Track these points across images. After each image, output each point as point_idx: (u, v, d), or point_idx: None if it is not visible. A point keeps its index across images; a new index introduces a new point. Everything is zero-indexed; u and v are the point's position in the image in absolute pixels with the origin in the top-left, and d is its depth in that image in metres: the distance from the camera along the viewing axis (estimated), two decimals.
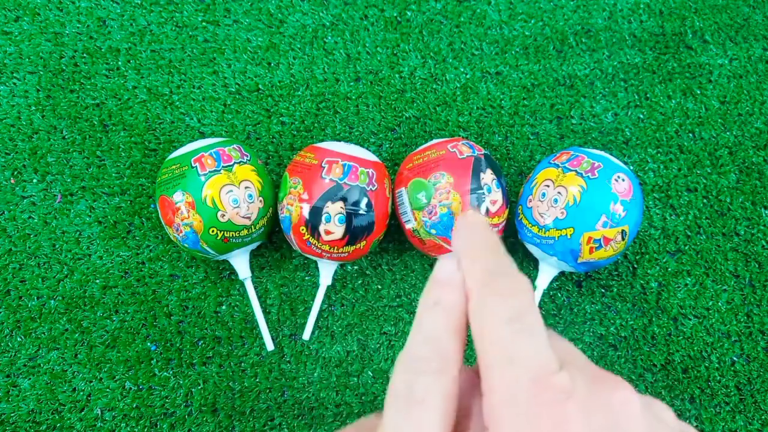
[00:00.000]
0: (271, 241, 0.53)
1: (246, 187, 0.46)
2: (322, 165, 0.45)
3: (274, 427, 0.49)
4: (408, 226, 0.48)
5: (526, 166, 0.55)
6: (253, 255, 0.52)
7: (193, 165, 0.45)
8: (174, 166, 0.46)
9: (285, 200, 0.47)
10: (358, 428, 0.21)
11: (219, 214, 0.45)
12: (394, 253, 0.53)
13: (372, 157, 0.48)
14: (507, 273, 0.20)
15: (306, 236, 0.46)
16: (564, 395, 0.17)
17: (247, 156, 0.47)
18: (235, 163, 0.46)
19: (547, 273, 0.49)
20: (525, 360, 0.17)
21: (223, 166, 0.45)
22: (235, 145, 0.48)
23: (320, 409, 0.50)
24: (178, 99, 0.55)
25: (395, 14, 0.58)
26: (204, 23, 0.57)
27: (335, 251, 0.46)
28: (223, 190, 0.45)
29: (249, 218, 0.46)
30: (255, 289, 0.52)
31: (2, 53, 0.55)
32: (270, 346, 0.50)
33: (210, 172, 0.45)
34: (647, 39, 0.59)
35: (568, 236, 0.45)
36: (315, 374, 0.50)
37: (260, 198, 0.47)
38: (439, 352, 0.19)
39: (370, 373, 0.51)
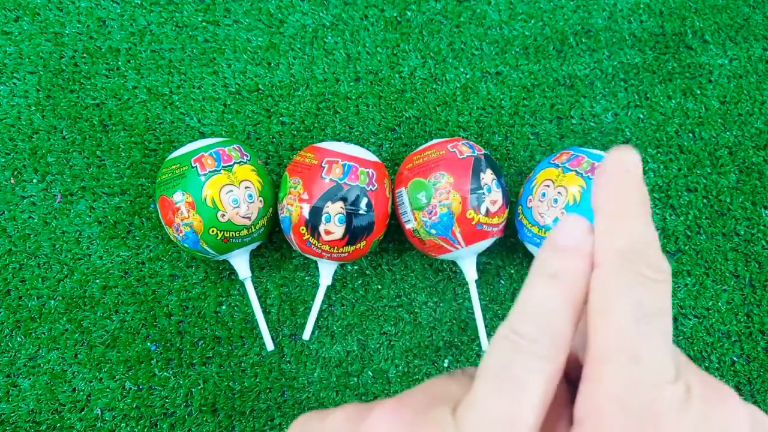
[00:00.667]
0: (271, 241, 0.53)
1: (246, 187, 0.46)
2: (322, 165, 0.45)
3: (274, 427, 0.49)
4: (408, 226, 0.48)
5: (526, 166, 0.55)
6: (253, 255, 0.52)
7: (193, 165, 0.45)
8: (174, 166, 0.46)
9: (285, 200, 0.47)
10: (427, 392, 0.19)
11: (219, 214, 0.45)
12: (394, 253, 0.53)
13: (372, 157, 0.48)
14: (654, 253, 0.16)
15: (306, 236, 0.46)
16: (677, 408, 0.15)
17: (247, 156, 0.47)
18: (235, 163, 0.46)
19: None
20: (646, 363, 0.15)
21: (223, 166, 0.45)
22: (235, 145, 0.48)
23: (320, 409, 0.50)
24: (178, 99, 0.55)
25: (395, 14, 0.58)
26: (204, 23, 0.57)
27: (335, 251, 0.46)
28: (223, 190, 0.45)
29: (249, 218, 0.46)
30: (255, 289, 0.52)
31: (2, 53, 0.55)
32: (270, 346, 0.50)
33: (210, 172, 0.45)
34: (647, 39, 0.59)
35: None
36: (315, 374, 0.50)
37: (260, 198, 0.47)
38: (549, 334, 0.16)
39: (370, 373, 0.51)
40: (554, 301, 0.17)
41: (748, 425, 0.16)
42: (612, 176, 0.17)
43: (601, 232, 0.17)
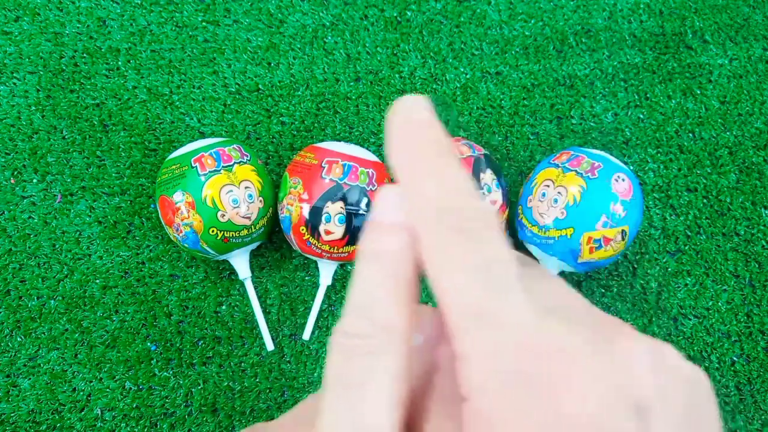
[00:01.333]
0: (271, 241, 0.53)
1: (246, 187, 0.46)
2: (322, 165, 0.45)
3: None
4: None
5: (526, 166, 0.55)
6: (253, 255, 0.52)
7: (193, 165, 0.45)
8: (174, 166, 0.46)
9: (285, 200, 0.47)
10: (296, 416, 0.18)
11: (219, 214, 0.45)
12: None
13: (372, 157, 0.48)
14: (467, 200, 0.15)
15: (306, 236, 0.46)
16: (558, 356, 0.13)
17: (247, 156, 0.47)
18: (235, 163, 0.46)
19: None
20: (504, 320, 0.14)
21: (223, 166, 0.45)
22: (235, 145, 0.48)
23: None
24: (178, 99, 0.55)
25: (395, 14, 0.58)
26: (204, 23, 0.57)
27: (335, 251, 0.46)
28: (223, 190, 0.45)
29: (249, 218, 0.46)
30: (255, 289, 0.52)
31: (2, 53, 0.55)
32: (270, 346, 0.50)
33: (210, 172, 0.45)
34: (647, 39, 0.59)
35: (568, 236, 0.45)
36: (315, 374, 0.50)
37: (260, 198, 0.47)
38: (379, 323, 0.15)
39: None
40: (378, 284, 0.15)
41: (646, 361, 0.14)
42: (399, 132, 0.16)
43: (410, 200, 0.15)
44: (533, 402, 0.13)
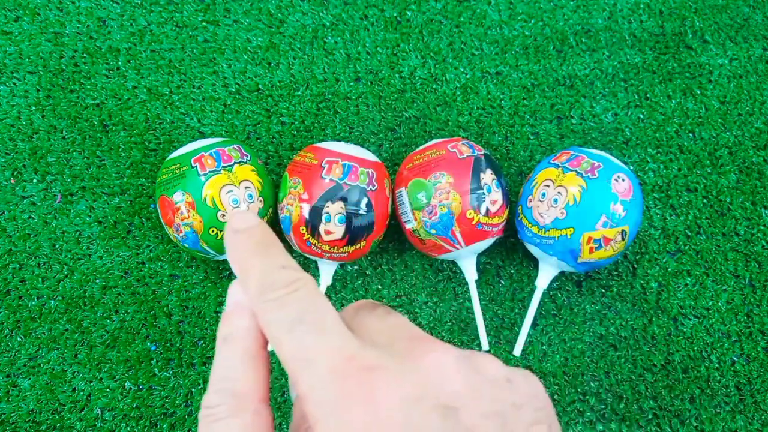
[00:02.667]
0: None
1: (246, 187, 0.46)
2: (322, 165, 0.45)
3: (275, 427, 0.49)
4: (408, 226, 0.48)
5: (526, 166, 0.55)
6: None
7: (193, 165, 0.45)
8: (174, 166, 0.46)
9: (285, 200, 0.47)
10: None
11: (219, 214, 0.45)
12: (394, 253, 0.53)
13: (372, 157, 0.48)
14: (279, 275, 0.19)
15: (306, 236, 0.46)
16: (368, 373, 0.16)
17: (247, 156, 0.47)
18: (235, 163, 0.46)
19: (547, 273, 0.49)
20: (319, 357, 0.17)
21: (223, 166, 0.45)
22: (235, 145, 0.48)
23: None
24: (178, 99, 0.55)
25: (395, 14, 0.58)
26: (204, 23, 0.57)
27: (335, 251, 0.46)
28: (223, 190, 0.45)
29: None
30: None
31: (2, 53, 0.55)
32: (270, 346, 0.50)
33: (210, 172, 0.45)
34: (647, 39, 0.59)
35: (568, 236, 0.45)
36: None
37: (260, 198, 0.47)
38: (230, 392, 0.19)
39: None
40: (230, 359, 0.19)
41: (452, 367, 0.18)
42: (228, 242, 0.20)
43: (242, 286, 0.20)
44: (355, 417, 0.16)
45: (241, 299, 0.20)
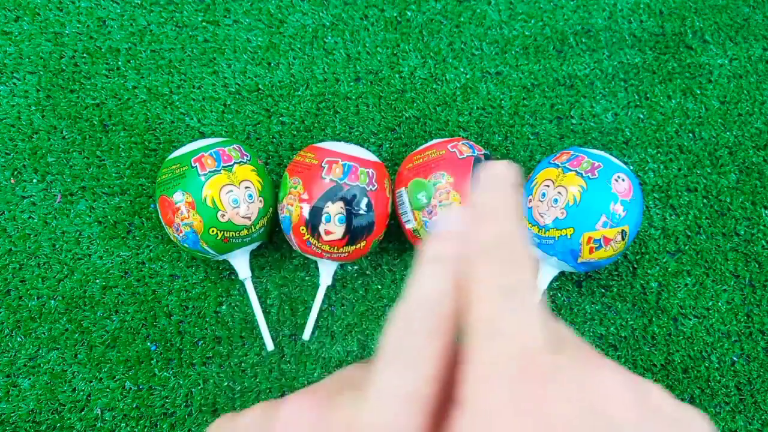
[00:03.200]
0: (271, 241, 0.53)
1: (246, 187, 0.46)
2: (322, 165, 0.45)
3: None
4: (408, 226, 0.48)
5: (526, 166, 0.55)
6: (253, 255, 0.52)
7: (193, 165, 0.45)
8: (174, 166, 0.46)
9: (285, 200, 0.47)
10: (337, 379, 0.20)
11: (219, 214, 0.45)
12: (394, 253, 0.53)
13: (372, 157, 0.48)
14: (514, 243, 0.18)
15: (306, 236, 0.46)
16: (548, 375, 0.16)
17: (247, 156, 0.47)
18: (235, 163, 0.46)
19: (547, 273, 0.49)
20: (512, 335, 0.17)
21: (223, 166, 0.45)
22: (235, 145, 0.48)
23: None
24: (178, 99, 0.55)
25: (395, 14, 0.58)
26: (204, 23, 0.57)
27: (335, 251, 0.46)
28: (223, 190, 0.45)
29: (249, 218, 0.46)
30: (255, 289, 0.52)
31: (2, 53, 0.55)
32: (270, 346, 0.50)
33: (210, 172, 0.45)
34: (647, 39, 0.59)
35: (568, 236, 0.45)
36: (315, 374, 0.50)
37: (260, 198, 0.47)
38: (435, 311, 0.18)
39: None
40: (438, 282, 0.19)
41: (624, 390, 0.17)
42: (486, 181, 0.20)
43: (473, 228, 0.19)
44: (523, 410, 0.15)
45: (463, 228, 0.19)
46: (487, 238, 0.19)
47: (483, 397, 0.16)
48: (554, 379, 0.16)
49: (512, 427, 0.15)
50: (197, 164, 0.45)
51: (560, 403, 0.16)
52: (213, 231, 0.45)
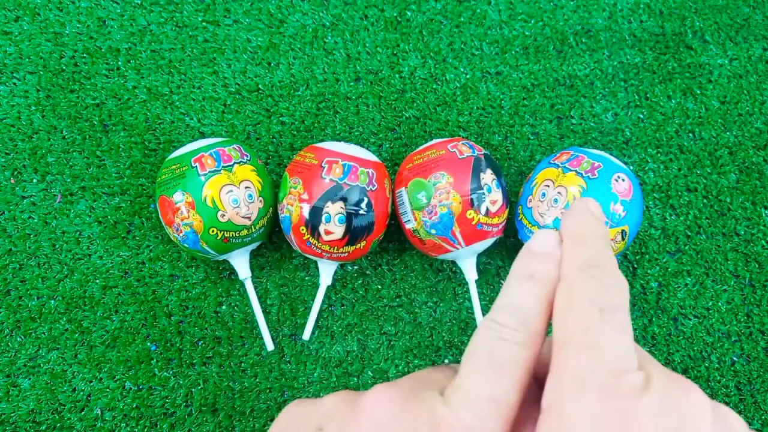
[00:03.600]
0: (271, 241, 0.53)
1: (246, 187, 0.46)
2: (322, 165, 0.45)
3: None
4: (408, 226, 0.48)
5: (526, 166, 0.55)
6: (253, 255, 0.52)
7: (193, 165, 0.45)
8: (174, 166, 0.46)
9: (285, 200, 0.47)
10: (415, 379, 0.21)
11: (219, 214, 0.45)
12: (394, 253, 0.53)
13: (372, 157, 0.48)
14: (610, 266, 0.19)
15: (306, 236, 0.46)
16: (637, 393, 0.16)
17: (247, 156, 0.47)
18: (235, 163, 0.46)
19: None
20: (607, 350, 0.17)
21: (223, 166, 0.45)
22: (235, 145, 0.48)
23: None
24: (178, 99, 0.55)
25: (395, 14, 0.58)
26: (204, 23, 0.57)
27: (335, 251, 0.46)
28: (223, 190, 0.45)
29: (249, 218, 0.46)
30: (255, 289, 0.52)
31: (2, 53, 0.55)
32: (270, 346, 0.50)
33: (210, 172, 0.45)
34: (647, 39, 0.59)
35: None
36: (315, 374, 0.50)
37: (260, 198, 0.47)
38: (527, 324, 0.19)
39: (370, 373, 0.51)
40: (532, 298, 0.20)
41: (709, 415, 0.17)
42: (578, 213, 0.21)
43: (567, 251, 0.20)
44: (609, 421, 0.16)
45: (555, 250, 0.21)
46: (583, 259, 0.20)
47: (571, 407, 0.16)
48: (644, 397, 0.16)
49: None
50: (197, 164, 0.45)
51: (648, 421, 0.16)
52: (213, 231, 0.45)
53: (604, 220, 0.21)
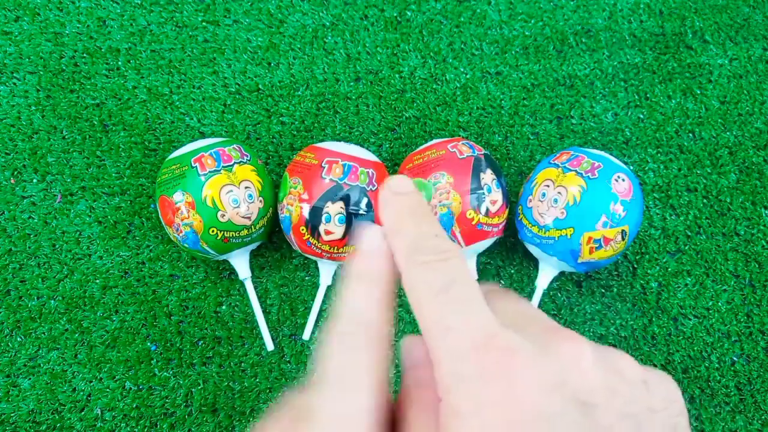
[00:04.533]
0: (271, 241, 0.53)
1: (246, 187, 0.46)
2: (322, 165, 0.45)
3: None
4: None
5: (526, 166, 0.55)
6: (253, 255, 0.52)
7: (193, 165, 0.45)
8: (174, 166, 0.46)
9: (285, 200, 0.47)
10: (292, 410, 0.20)
11: (219, 214, 0.45)
12: None
13: (372, 157, 0.48)
14: (433, 242, 0.19)
15: (306, 236, 0.46)
16: (509, 354, 0.16)
17: (247, 156, 0.47)
18: (234, 163, 0.46)
19: (547, 273, 0.49)
20: (461, 328, 0.17)
21: (223, 166, 0.45)
22: (235, 145, 0.48)
23: None
24: (178, 99, 0.55)
25: (395, 14, 0.58)
26: (204, 23, 0.57)
27: (335, 251, 0.46)
28: (223, 190, 0.45)
29: (249, 218, 0.46)
30: (255, 289, 0.52)
31: (2, 53, 0.55)
32: (270, 346, 0.50)
33: (210, 172, 0.45)
34: (647, 39, 0.59)
35: (568, 236, 0.45)
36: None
37: (260, 198, 0.47)
38: (365, 326, 0.19)
39: None
40: (364, 296, 0.20)
41: (589, 357, 0.17)
42: (385, 202, 0.21)
43: (392, 245, 0.20)
44: (491, 393, 0.16)
45: (381, 244, 0.20)
46: (404, 247, 0.19)
47: (455, 392, 0.16)
48: (517, 354, 0.16)
49: (490, 415, 0.16)
50: (197, 164, 0.45)
51: (526, 371, 0.16)
52: (213, 231, 0.45)
53: (411, 189, 0.21)
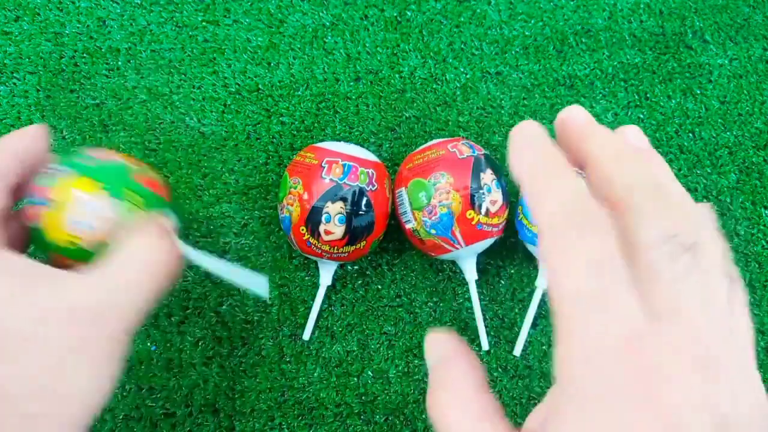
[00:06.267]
0: (271, 241, 0.53)
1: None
2: (322, 165, 0.45)
3: (275, 427, 0.49)
4: (408, 226, 0.48)
5: None
6: (253, 255, 0.52)
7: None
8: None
9: (285, 200, 0.47)
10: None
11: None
12: (394, 253, 0.53)
13: (372, 157, 0.48)
14: (585, 200, 0.17)
15: (306, 236, 0.46)
16: (661, 356, 0.15)
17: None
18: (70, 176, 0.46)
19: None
20: (614, 309, 0.15)
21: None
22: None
23: (320, 409, 0.50)
24: (178, 99, 0.55)
25: (395, 14, 0.58)
26: (204, 23, 0.57)
27: (335, 251, 0.46)
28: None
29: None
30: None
31: (2, 53, 0.55)
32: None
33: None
34: (647, 39, 0.59)
35: None
36: (315, 374, 0.50)
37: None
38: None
39: (370, 373, 0.51)
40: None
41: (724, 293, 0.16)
42: (521, 148, 0.19)
43: (532, 201, 0.18)
44: (628, 389, 0.14)
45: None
46: (552, 207, 0.17)
47: (590, 380, 0.15)
48: (667, 364, 0.15)
49: (625, 418, 0.14)
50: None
51: (669, 397, 0.14)
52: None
53: (548, 140, 0.19)
